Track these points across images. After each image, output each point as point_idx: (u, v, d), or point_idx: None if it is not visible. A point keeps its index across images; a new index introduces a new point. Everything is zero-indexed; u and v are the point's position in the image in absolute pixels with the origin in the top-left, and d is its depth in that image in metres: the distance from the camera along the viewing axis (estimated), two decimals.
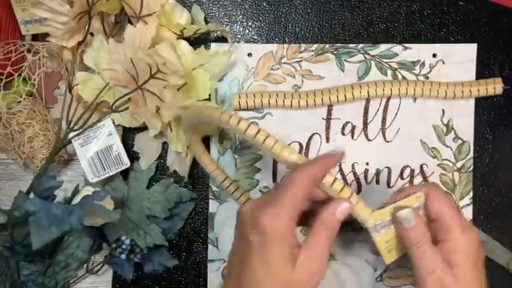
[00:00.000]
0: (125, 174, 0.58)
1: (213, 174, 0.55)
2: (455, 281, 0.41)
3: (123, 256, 0.56)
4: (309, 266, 0.39)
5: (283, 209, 0.39)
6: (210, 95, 0.53)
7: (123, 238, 0.56)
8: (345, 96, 0.57)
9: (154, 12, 0.51)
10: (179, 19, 0.54)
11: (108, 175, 0.55)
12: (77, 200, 0.53)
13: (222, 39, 0.59)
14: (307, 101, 0.57)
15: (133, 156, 0.58)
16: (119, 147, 0.55)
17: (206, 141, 0.53)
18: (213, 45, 0.59)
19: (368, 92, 0.57)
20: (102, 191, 0.51)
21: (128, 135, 0.59)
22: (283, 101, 0.57)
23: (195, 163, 0.59)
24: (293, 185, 0.40)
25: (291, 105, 0.57)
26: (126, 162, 0.55)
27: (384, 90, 0.57)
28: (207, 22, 0.59)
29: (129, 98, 0.52)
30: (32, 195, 0.54)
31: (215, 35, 0.59)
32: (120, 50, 0.49)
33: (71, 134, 0.54)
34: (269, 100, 0.57)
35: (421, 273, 0.41)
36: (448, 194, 0.47)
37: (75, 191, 0.56)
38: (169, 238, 0.59)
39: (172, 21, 0.53)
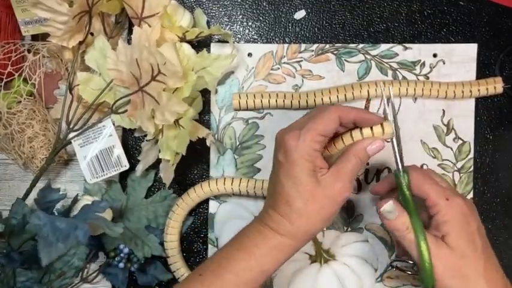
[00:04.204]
0: (122, 182, 0.58)
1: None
2: (448, 250, 0.43)
3: (122, 264, 0.56)
4: (334, 185, 0.44)
5: (306, 132, 0.43)
6: (211, 93, 0.53)
7: (121, 246, 0.56)
8: (345, 96, 0.57)
9: (157, 13, 0.51)
10: (181, 21, 0.54)
11: (106, 176, 0.55)
12: (76, 209, 0.53)
13: (222, 40, 0.59)
14: (307, 101, 0.57)
15: (133, 158, 0.58)
16: (118, 149, 0.54)
17: (204, 142, 0.53)
18: (213, 46, 0.59)
19: (368, 92, 0.57)
20: (102, 201, 0.51)
21: (127, 137, 0.59)
22: (283, 101, 0.57)
23: (194, 164, 0.59)
24: (321, 117, 0.44)
25: (291, 105, 0.57)
26: (125, 164, 0.55)
27: (384, 90, 0.57)
28: (209, 25, 0.59)
29: (129, 100, 0.52)
30: (29, 199, 0.54)
31: (216, 35, 0.59)
32: (128, 51, 0.49)
33: (71, 135, 0.54)
34: (269, 100, 0.57)
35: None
36: (428, 170, 0.50)
37: (75, 200, 0.55)
38: None
39: (174, 23, 0.53)
